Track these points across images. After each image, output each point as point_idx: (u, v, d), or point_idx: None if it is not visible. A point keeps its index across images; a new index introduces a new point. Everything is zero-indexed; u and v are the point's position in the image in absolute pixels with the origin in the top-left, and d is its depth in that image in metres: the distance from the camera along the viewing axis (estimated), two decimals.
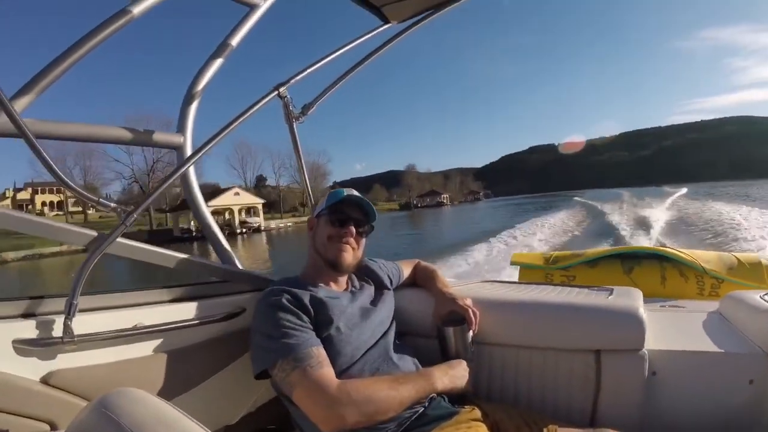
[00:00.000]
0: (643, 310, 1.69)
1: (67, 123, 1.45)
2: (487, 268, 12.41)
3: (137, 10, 1.48)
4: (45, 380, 1.26)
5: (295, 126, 2.28)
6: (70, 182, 1.38)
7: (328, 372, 1.42)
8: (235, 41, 1.90)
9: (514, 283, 2.42)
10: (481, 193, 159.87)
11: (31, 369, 1.25)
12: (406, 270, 2.18)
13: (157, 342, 1.53)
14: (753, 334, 1.81)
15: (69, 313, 1.32)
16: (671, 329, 1.96)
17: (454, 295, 1.87)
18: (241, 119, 1.75)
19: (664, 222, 20.58)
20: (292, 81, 2.09)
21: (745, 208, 20.62)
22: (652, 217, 22.33)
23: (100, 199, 1.46)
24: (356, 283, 1.90)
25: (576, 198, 56.75)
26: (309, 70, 2.17)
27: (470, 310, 1.78)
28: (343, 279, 1.83)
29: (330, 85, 2.44)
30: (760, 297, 2.00)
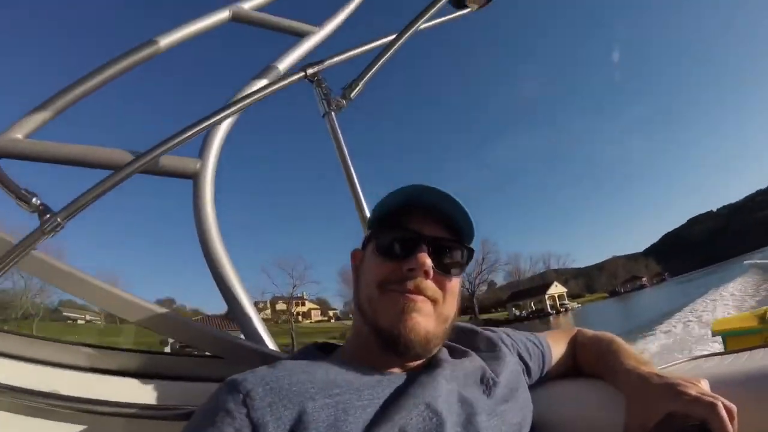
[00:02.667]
0: None
1: (63, 144, 1.29)
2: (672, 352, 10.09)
3: (164, 42, 1.45)
4: None
5: (335, 117, 1.75)
6: None
7: None
8: (283, 66, 1.70)
9: (744, 350, 1.28)
10: (666, 274, 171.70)
11: None
12: (557, 345, 1.26)
13: (82, 427, 1.09)
14: None
15: None
16: None
17: (670, 379, 0.92)
18: (251, 99, 1.40)
19: None
20: (326, 63, 1.63)
21: None
22: None
23: (22, 189, 1.15)
24: (443, 358, 0.98)
25: (746, 262, 46.62)
26: (353, 52, 1.77)
27: (719, 405, 0.83)
28: (414, 364, 0.96)
29: (376, 57, 1.83)
30: None
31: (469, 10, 2.33)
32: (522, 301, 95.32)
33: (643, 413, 0.90)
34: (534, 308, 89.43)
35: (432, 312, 0.92)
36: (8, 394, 1.03)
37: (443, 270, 0.94)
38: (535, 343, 1.19)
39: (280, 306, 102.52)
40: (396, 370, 0.94)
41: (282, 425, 0.75)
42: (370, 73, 1.81)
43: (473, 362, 1.00)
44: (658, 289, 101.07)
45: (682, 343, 11.56)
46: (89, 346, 1.22)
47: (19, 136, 1.24)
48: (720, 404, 0.83)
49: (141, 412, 1.14)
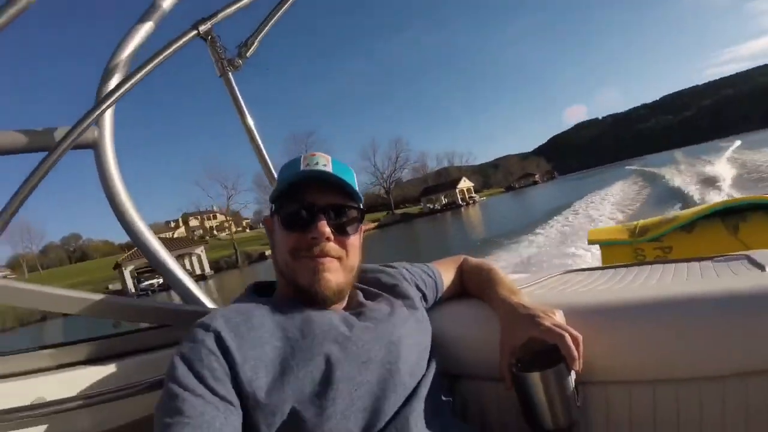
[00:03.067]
0: None
1: None
2: (555, 253, 10.81)
3: None
4: None
5: (231, 75, 1.70)
6: None
7: None
8: (167, 3, 1.48)
9: (609, 268, 1.60)
10: (555, 173, 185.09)
11: None
12: (447, 273, 1.44)
13: (62, 425, 1.14)
14: None
15: None
16: None
17: (532, 309, 1.11)
18: (143, 72, 1.27)
19: (731, 175, 19.06)
20: (220, 15, 1.51)
21: None
22: (717, 173, 20.58)
23: None
24: (360, 301, 1.19)
25: (628, 167, 52.37)
26: (246, 1, 1.55)
27: (566, 336, 1.02)
28: (336, 307, 1.14)
29: (272, 11, 1.74)
30: None
31: None
32: (434, 195, 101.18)
33: (513, 335, 1.10)
34: (445, 201, 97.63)
35: (339, 267, 1.09)
36: None
37: (341, 232, 1.09)
38: (428, 274, 1.36)
39: (193, 222, 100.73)
40: (325, 313, 1.08)
41: (247, 362, 0.92)
42: (267, 27, 1.72)
43: (380, 301, 1.19)
44: (549, 185, 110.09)
45: (568, 238, 13.00)
46: (42, 348, 1.25)
47: None
48: (567, 335, 1.01)
49: (109, 396, 1.19)
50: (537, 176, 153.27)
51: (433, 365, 1.13)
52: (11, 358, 1.19)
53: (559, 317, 1.09)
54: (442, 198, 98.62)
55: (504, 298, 1.20)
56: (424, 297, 1.31)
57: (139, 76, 1.25)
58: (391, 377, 1.01)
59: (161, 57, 1.29)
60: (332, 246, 1.07)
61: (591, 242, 4.02)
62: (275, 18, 1.72)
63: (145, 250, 1.43)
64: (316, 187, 1.09)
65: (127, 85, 1.24)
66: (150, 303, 1.37)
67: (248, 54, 1.69)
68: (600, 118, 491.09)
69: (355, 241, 1.13)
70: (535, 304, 1.14)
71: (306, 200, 1.08)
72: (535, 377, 1.01)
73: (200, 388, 0.86)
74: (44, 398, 1.11)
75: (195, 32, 1.43)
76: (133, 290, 48.38)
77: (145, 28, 1.44)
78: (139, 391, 1.22)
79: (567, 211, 20.65)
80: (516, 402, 1.06)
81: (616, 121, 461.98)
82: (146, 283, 47.11)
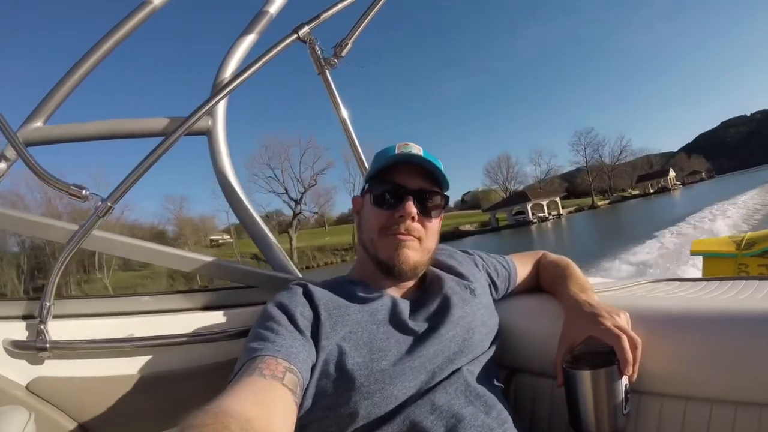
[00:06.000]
0: None
1: (82, 123, 1.38)
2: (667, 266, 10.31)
3: (158, 0, 1.40)
4: (30, 386, 1.21)
5: (329, 74, 1.79)
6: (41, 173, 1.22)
7: (240, 391, 0.82)
8: (274, 8, 1.63)
9: (701, 280, 1.48)
10: (705, 172, 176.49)
11: (20, 373, 1.20)
12: (523, 267, 1.50)
13: (152, 358, 1.34)
14: None
15: (41, 316, 1.22)
16: None
17: (596, 308, 1.12)
18: (251, 70, 1.44)
19: None
20: (318, 20, 1.60)
21: None
22: None
23: (71, 186, 1.25)
24: (430, 281, 1.29)
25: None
26: (340, 6, 1.66)
27: (624, 338, 1.01)
28: (407, 284, 1.26)
29: (364, 14, 1.79)
30: None
31: None
32: (647, 182, 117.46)
33: (573, 332, 1.13)
34: (657, 187, 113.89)
35: (418, 247, 1.19)
36: (91, 346, 1.26)
37: (425, 214, 1.19)
38: (503, 265, 1.44)
39: None
40: (396, 291, 1.24)
41: (329, 320, 1.06)
42: (360, 29, 1.77)
43: (447, 282, 1.25)
44: (710, 183, 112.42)
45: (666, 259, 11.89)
46: (149, 294, 1.43)
47: (39, 123, 1.31)
48: (625, 337, 1.01)
49: (198, 338, 1.37)
50: (704, 174, 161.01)
51: (491, 352, 1.19)
52: (110, 300, 1.40)
53: (623, 319, 1.07)
54: (650, 185, 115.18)
55: (572, 295, 1.22)
56: (495, 286, 1.39)
57: (245, 75, 1.41)
58: (444, 358, 1.08)
59: (265, 59, 1.44)
60: (415, 226, 1.17)
61: (694, 253, 3.88)
62: (367, 20, 1.77)
63: (246, 222, 1.59)
64: (408, 171, 1.19)
65: (235, 83, 1.40)
66: (242, 266, 1.56)
67: (343, 53, 1.75)
68: (748, 115, 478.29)
69: (435, 224, 1.23)
70: (602, 303, 1.14)
71: (397, 182, 1.18)
72: (585, 375, 0.99)
73: (289, 325, 1.03)
74: (134, 334, 1.32)
75: (295, 36, 1.53)
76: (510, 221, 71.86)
77: (253, 33, 1.57)
78: (222, 339, 1.39)
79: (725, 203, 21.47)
80: (563, 397, 1.06)
81: (766, 116, 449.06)
82: (518, 217, 71.01)
